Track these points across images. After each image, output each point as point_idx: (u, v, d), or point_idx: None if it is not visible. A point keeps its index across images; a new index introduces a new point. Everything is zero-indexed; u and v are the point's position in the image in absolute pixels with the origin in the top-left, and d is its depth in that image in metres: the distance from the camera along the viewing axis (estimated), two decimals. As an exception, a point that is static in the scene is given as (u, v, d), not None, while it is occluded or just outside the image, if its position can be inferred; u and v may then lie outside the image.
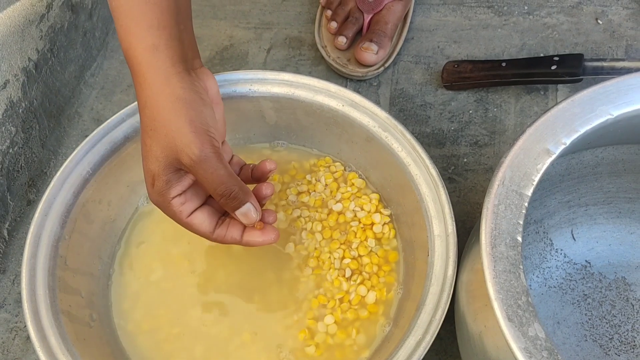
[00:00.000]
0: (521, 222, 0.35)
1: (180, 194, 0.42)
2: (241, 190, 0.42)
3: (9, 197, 0.57)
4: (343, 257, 0.51)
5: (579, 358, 0.47)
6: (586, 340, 0.48)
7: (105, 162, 0.51)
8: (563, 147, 0.38)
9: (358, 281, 0.50)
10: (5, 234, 0.57)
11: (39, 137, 0.60)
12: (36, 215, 0.47)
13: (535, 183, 0.36)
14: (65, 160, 0.49)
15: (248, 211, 0.42)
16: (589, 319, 0.49)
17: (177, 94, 0.40)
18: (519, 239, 0.35)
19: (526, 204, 0.36)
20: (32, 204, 0.60)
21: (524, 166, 0.37)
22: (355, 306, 0.49)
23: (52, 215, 0.48)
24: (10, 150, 0.56)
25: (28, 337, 0.53)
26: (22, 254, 0.57)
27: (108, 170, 0.51)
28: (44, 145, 0.61)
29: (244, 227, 0.44)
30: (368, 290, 0.49)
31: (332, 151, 0.56)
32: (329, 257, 0.51)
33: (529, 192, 0.36)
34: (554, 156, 0.37)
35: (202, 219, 0.43)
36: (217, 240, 0.44)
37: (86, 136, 0.50)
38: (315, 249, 0.52)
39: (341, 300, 0.49)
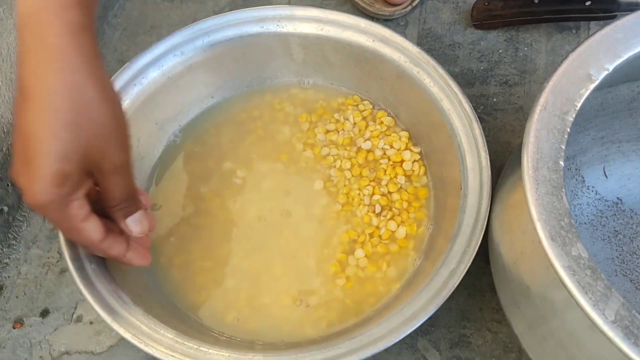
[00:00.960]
0: (563, 147, 0.35)
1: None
2: (137, 196, 0.39)
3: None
4: (372, 194, 0.51)
5: (610, 292, 0.47)
6: (617, 275, 0.48)
7: (132, 100, 0.51)
8: (605, 72, 0.37)
9: (388, 217, 0.50)
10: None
11: (65, 76, 0.60)
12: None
13: (577, 108, 0.36)
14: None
15: (142, 218, 0.40)
16: (620, 255, 0.49)
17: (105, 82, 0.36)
18: (561, 163, 0.34)
19: (568, 129, 0.35)
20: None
21: (566, 91, 0.36)
22: (386, 241, 0.49)
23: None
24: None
25: (60, 272, 0.54)
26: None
27: (136, 108, 0.51)
28: (70, 85, 0.61)
29: (127, 244, 0.40)
30: (398, 226, 0.49)
31: (361, 90, 0.56)
32: (359, 194, 0.51)
33: (571, 117, 0.36)
34: (596, 82, 0.37)
35: (94, 225, 0.38)
36: (103, 250, 0.39)
37: (110, 77, 0.50)
38: (345, 185, 0.52)
39: (371, 235, 0.49)
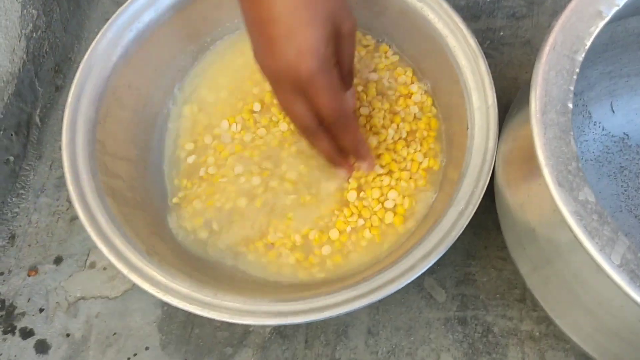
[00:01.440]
0: (572, 89, 0.34)
1: None
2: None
3: (37, 83, 0.56)
4: (391, 122, 0.50)
5: (614, 227, 0.48)
6: (621, 211, 0.49)
7: (131, 46, 0.49)
8: (616, 8, 0.36)
9: (413, 148, 0.49)
10: (38, 121, 0.57)
11: (60, 20, 0.58)
12: (69, 98, 0.46)
13: (587, 47, 0.35)
14: (89, 44, 0.48)
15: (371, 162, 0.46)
16: (625, 191, 0.49)
17: None
18: (570, 105, 0.34)
19: (577, 70, 0.35)
20: (60, 90, 0.59)
21: (575, 29, 0.35)
22: (414, 174, 0.48)
23: (85, 100, 0.47)
24: (34, 35, 0.55)
25: (71, 220, 0.54)
26: (56, 140, 0.58)
27: (136, 54, 0.50)
28: (66, 30, 0.59)
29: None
30: (424, 156, 0.49)
31: (362, 25, 0.54)
32: (382, 123, 0.50)
33: (581, 56, 0.35)
34: (606, 19, 0.36)
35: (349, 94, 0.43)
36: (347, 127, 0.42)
37: (107, 19, 0.49)
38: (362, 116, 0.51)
39: (400, 168, 0.49)
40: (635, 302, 0.29)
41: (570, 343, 0.46)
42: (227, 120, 0.52)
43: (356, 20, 0.39)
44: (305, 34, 0.36)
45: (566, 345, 0.46)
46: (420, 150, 0.49)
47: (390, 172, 0.49)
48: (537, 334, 0.47)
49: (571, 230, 0.31)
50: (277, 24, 0.36)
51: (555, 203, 0.31)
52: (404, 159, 0.49)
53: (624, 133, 0.51)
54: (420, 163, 0.49)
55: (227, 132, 0.52)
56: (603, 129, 0.51)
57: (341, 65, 0.40)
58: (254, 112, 0.52)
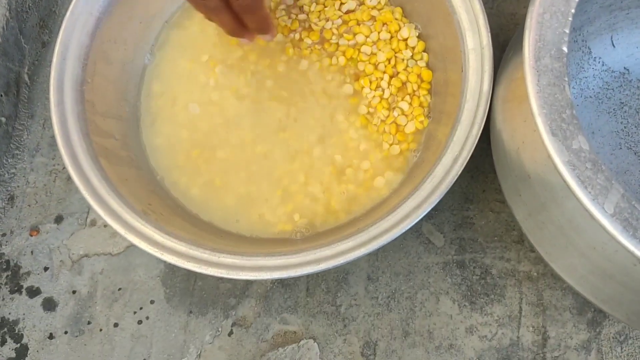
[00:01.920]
0: (567, 31, 0.33)
1: None
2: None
3: (22, 40, 0.55)
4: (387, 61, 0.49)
5: (613, 165, 0.48)
6: (620, 148, 0.48)
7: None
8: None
9: (401, 99, 0.48)
10: (27, 79, 0.56)
11: (40, -27, 0.56)
12: (54, 58, 0.45)
13: (583, -14, 0.34)
14: (73, -3, 0.47)
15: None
16: (625, 127, 0.49)
17: None
18: (565, 49, 0.33)
19: (573, 11, 0.33)
20: (46, 45, 0.58)
21: (571, -32, 0.34)
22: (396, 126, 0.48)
23: (71, 58, 0.46)
24: (14, -9, 0.53)
25: (69, 178, 0.54)
26: (46, 98, 0.57)
27: (119, 7, 0.48)
28: (47, -18, 0.57)
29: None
30: (412, 109, 0.48)
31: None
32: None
33: (576, -3, 0.33)
34: (604, -47, 0.34)
35: None
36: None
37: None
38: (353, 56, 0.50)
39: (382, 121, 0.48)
40: (628, 250, 0.29)
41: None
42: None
43: None
44: None
45: (563, 284, 0.47)
46: (411, 102, 0.48)
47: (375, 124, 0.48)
48: (535, 274, 0.47)
49: (564, 180, 0.30)
50: None
51: (548, 154, 0.31)
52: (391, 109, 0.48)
53: (625, 68, 0.50)
54: (406, 115, 0.48)
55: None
56: (603, 64, 0.49)
57: None
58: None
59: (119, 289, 0.51)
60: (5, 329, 0.50)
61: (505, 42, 0.53)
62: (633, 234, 0.29)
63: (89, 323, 0.50)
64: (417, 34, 0.50)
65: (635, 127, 0.48)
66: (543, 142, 0.31)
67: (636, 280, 0.34)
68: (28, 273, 0.52)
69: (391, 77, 0.49)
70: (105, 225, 0.53)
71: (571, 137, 0.31)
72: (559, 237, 0.37)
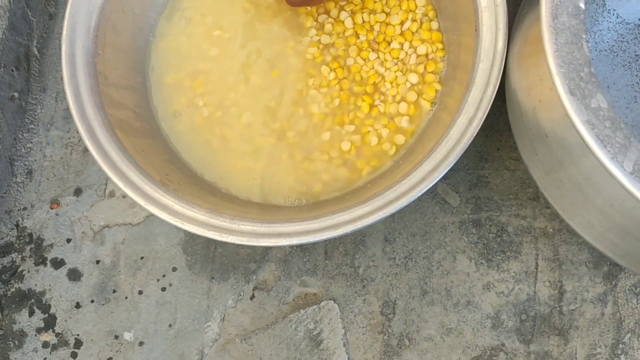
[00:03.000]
0: (584, -13, 0.32)
1: None
2: None
3: (29, 14, 0.54)
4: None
5: (628, 120, 0.47)
6: (636, 101, 0.48)
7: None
8: None
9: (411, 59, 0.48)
10: (36, 52, 0.56)
11: (43, -57, 0.55)
12: (64, 31, 0.45)
13: (600, -60, 0.33)
14: (78, -32, 0.46)
15: None
16: (640, 80, 0.48)
17: None
18: (582, 5, 0.32)
19: (590, -34, 0.33)
20: (54, 17, 0.58)
21: None
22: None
23: (81, 31, 0.46)
24: (18, -37, 0.52)
25: (85, 150, 0.55)
26: (57, 71, 0.57)
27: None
28: (50, -47, 0.57)
29: None
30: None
31: None
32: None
33: (593, -49, 0.33)
34: None
35: None
36: None
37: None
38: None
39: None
40: (647, 207, 0.29)
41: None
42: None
43: None
44: None
45: (579, 239, 0.47)
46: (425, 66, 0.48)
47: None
48: (551, 230, 0.48)
49: (583, 139, 0.30)
50: None
51: (567, 113, 0.31)
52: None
53: (639, 19, 0.49)
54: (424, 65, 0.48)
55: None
56: (617, 17, 0.49)
57: None
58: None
59: (142, 258, 0.52)
60: (33, 300, 0.51)
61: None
62: (653, 191, 0.29)
63: (114, 291, 0.51)
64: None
65: (651, 79, 0.48)
66: (561, 101, 0.31)
67: (654, 235, 0.34)
68: (51, 245, 0.53)
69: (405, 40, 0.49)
70: (124, 196, 0.53)
71: (590, 95, 0.31)
72: (576, 195, 0.37)
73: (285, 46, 0.50)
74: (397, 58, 0.48)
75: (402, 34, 0.49)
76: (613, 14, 0.48)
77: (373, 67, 0.49)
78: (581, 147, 0.33)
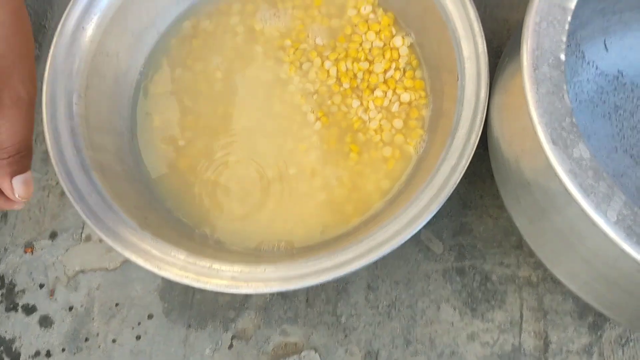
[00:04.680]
0: (564, 39, 0.33)
1: None
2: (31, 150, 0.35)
3: (12, 56, 0.54)
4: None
5: (609, 169, 0.48)
6: (616, 151, 0.48)
7: (104, 13, 0.47)
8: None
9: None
10: (17, 95, 0.56)
11: (29, -14, 0.56)
12: (46, 73, 0.45)
13: (579, -6, 0.34)
14: (62, 10, 0.46)
15: (30, 180, 0.35)
16: (620, 130, 0.49)
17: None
18: (562, 57, 0.33)
19: (569, 18, 0.33)
20: (37, 60, 0.57)
21: (566, -25, 0.34)
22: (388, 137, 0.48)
23: (63, 73, 0.46)
24: (3, 5, 0.52)
25: (62, 193, 0.54)
26: (38, 113, 0.56)
27: (110, 19, 0.48)
28: (36, -4, 0.57)
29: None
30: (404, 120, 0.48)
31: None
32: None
33: (572, 4, 0.34)
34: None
35: None
36: None
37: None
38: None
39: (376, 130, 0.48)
40: (631, 257, 0.29)
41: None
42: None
43: (33, 91, 0.33)
44: None
45: (564, 288, 0.47)
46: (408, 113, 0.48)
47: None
48: (535, 279, 0.47)
49: (566, 189, 0.30)
50: None
51: (549, 163, 0.31)
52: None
53: (618, 71, 0.50)
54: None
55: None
56: (597, 68, 0.50)
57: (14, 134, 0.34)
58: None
59: (117, 305, 0.50)
60: (2, 348, 0.49)
61: (499, 48, 0.53)
62: (636, 240, 0.29)
63: (86, 340, 0.49)
64: (409, 43, 0.50)
65: (631, 130, 0.49)
66: (544, 150, 0.31)
67: None
68: (23, 290, 0.51)
69: (389, 88, 0.49)
70: (101, 240, 0.52)
71: (572, 145, 0.31)
72: (560, 244, 0.37)
73: (270, 94, 0.50)
74: (381, 105, 0.49)
75: (385, 82, 0.49)
76: (592, 66, 0.49)
77: (357, 114, 0.49)
78: (564, 196, 0.33)
